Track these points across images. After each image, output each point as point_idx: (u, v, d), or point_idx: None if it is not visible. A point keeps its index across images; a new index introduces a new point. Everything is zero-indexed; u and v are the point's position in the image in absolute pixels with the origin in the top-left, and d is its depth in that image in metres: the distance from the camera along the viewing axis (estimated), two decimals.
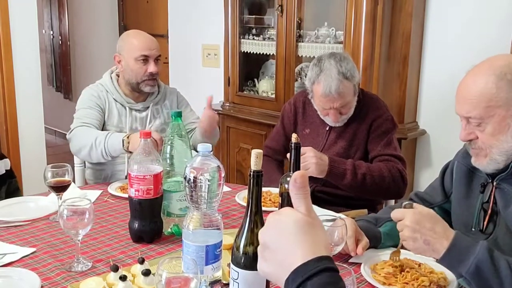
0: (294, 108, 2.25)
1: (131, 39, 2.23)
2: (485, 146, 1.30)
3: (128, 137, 1.98)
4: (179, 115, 1.58)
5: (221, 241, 1.19)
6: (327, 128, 2.13)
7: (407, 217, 1.22)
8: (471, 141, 1.33)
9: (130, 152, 1.98)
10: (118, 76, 2.29)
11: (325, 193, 2.09)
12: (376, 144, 2.04)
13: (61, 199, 1.61)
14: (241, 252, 1.09)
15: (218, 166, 1.18)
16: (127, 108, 2.24)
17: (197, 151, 1.19)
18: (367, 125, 2.06)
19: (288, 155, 1.74)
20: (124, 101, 2.24)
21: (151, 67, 2.20)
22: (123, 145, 1.97)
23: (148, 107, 2.27)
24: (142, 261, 1.29)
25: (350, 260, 1.40)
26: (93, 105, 2.19)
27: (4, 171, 2.16)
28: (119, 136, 2.00)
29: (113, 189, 1.97)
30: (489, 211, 1.36)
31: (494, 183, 1.36)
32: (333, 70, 1.96)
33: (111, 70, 2.31)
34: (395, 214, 1.26)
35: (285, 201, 1.44)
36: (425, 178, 2.92)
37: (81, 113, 2.18)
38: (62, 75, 6.22)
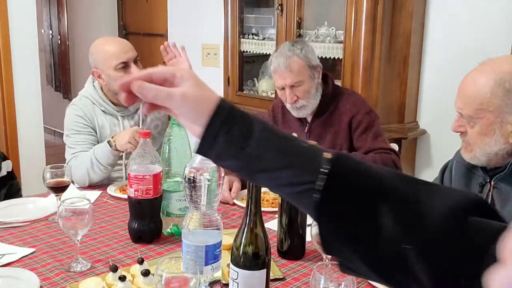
0: (272, 114, 2.25)
1: (102, 49, 2.09)
2: (471, 142, 1.34)
3: (112, 138, 1.96)
4: None
5: (221, 241, 1.19)
6: (306, 130, 2.12)
7: None
8: (462, 133, 1.37)
9: (120, 151, 1.98)
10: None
11: None
12: (363, 141, 2.02)
13: (60, 199, 1.61)
14: (240, 252, 1.09)
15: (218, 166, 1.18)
16: (119, 118, 2.16)
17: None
18: (346, 123, 2.05)
19: None
20: (113, 110, 2.15)
21: (134, 72, 2.05)
22: (111, 147, 1.95)
23: (138, 109, 2.20)
24: (141, 261, 1.29)
25: None
26: (81, 128, 2.10)
27: (5, 173, 2.16)
28: (104, 143, 1.99)
29: (113, 190, 1.97)
30: None
31: (492, 183, 1.36)
32: (285, 48, 2.02)
33: (93, 78, 2.19)
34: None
35: (285, 200, 1.44)
36: (425, 178, 2.88)
37: (71, 140, 2.10)
38: (61, 75, 6.21)
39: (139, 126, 2.17)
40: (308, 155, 0.69)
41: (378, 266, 0.65)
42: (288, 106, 2.07)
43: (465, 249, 0.54)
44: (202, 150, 0.71)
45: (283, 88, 2.02)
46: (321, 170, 0.65)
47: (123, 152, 2.01)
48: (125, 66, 2.07)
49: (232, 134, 0.70)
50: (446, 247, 0.59)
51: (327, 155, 0.67)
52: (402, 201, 0.63)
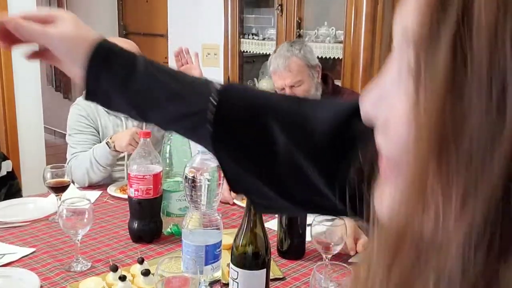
0: None
1: None
2: None
3: (111, 138, 1.97)
4: None
5: (221, 241, 1.19)
6: None
7: None
8: None
9: (119, 152, 1.98)
10: None
11: None
12: None
13: (60, 199, 1.61)
14: (240, 252, 1.09)
15: (218, 165, 1.18)
16: (123, 118, 2.16)
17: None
18: None
19: None
20: None
21: None
22: (110, 148, 1.95)
23: None
24: (141, 261, 1.29)
25: (350, 260, 1.39)
26: (83, 128, 2.10)
27: (5, 173, 2.16)
28: (102, 143, 1.99)
29: (113, 190, 1.97)
30: None
31: None
32: (284, 49, 2.04)
33: None
34: None
35: None
36: None
37: (73, 140, 2.10)
38: (62, 75, 6.21)
39: (142, 128, 2.16)
40: (198, 85, 0.69)
41: (283, 189, 0.65)
42: None
43: (355, 151, 0.55)
44: (89, 93, 0.70)
45: (283, 89, 2.03)
46: (211, 98, 0.65)
47: (122, 152, 2.01)
48: None
49: (115, 71, 0.69)
50: (336, 152, 0.61)
51: (217, 85, 0.68)
52: (291, 118, 0.65)
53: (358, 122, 0.58)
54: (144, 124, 2.18)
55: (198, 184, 1.15)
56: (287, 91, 2.02)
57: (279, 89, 2.07)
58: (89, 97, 0.70)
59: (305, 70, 2.01)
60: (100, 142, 2.11)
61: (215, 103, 0.65)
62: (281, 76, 2.01)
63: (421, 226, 0.30)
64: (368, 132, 0.56)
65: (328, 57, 2.85)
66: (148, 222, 1.51)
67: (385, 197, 0.35)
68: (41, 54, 0.73)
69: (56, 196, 1.64)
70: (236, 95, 0.68)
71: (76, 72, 0.70)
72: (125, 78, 0.68)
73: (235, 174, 0.68)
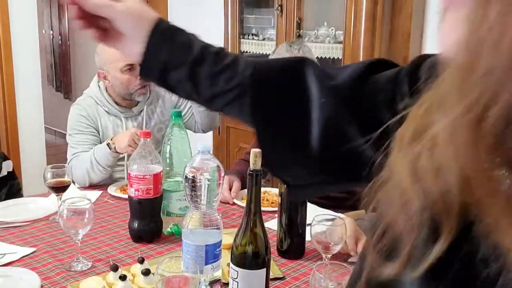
0: None
1: (108, 50, 2.03)
2: None
3: (112, 140, 1.97)
4: (179, 114, 1.59)
5: (221, 241, 1.19)
6: None
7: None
8: None
9: (119, 153, 1.99)
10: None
11: (320, 197, 2.08)
12: None
13: (61, 199, 1.61)
14: (240, 252, 1.09)
15: (218, 166, 1.18)
16: (123, 119, 2.17)
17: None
18: None
19: None
20: (117, 112, 2.15)
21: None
22: (110, 149, 1.96)
23: (142, 110, 2.20)
24: (141, 261, 1.29)
25: (350, 260, 1.40)
26: (84, 128, 2.10)
27: (6, 173, 2.17)
28: (103, 145, 2.00)
29: (113, 190, 1.97)
30: None
31: None
32: (283, 49, 2.04)
33: (98, 78, 2.19)
34: None
35: (285, 200, 1.45)
36: None
37: (73, 140, 2.11)
38: (62, 75, 6.22)
39: (142, 129, 2.16)
40: (237, 59, 0.75)
41: (320, 156, 0.68)
42: None
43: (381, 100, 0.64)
44: (145, 67, 0.75)
45: None
46: (246, 70, 0.72)
47: (123, 154, 2.02)
48: (131, 68, 2.06)
49: (176, 42, 0.75)
50: (363, 102, 0.66)
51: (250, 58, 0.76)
52: (324, 75, 0.71)
53: (375, 76, 0.68)
54: (145, 127, 2.19)
55: (198, 184, 1.15)
56: None
57: None
58: (145, 71, 0.76)
59: None
60: (100, 142, 2.11)
61: (249, 74, 0.72)
62: None
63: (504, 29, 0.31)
64: (388, 79, 0.66)
65: (327, 57, 2.85)
66: (149, 222, 1.52)
67: (452, 26, 0.36)
68: (105, 34, 0.79)
69: (57, 196, 1.64)
70: (267, 62, 0.78)
71: (134, 48, 0.75)
72: (185, 49, 0.74)
73: (271, 148, 0.72)
